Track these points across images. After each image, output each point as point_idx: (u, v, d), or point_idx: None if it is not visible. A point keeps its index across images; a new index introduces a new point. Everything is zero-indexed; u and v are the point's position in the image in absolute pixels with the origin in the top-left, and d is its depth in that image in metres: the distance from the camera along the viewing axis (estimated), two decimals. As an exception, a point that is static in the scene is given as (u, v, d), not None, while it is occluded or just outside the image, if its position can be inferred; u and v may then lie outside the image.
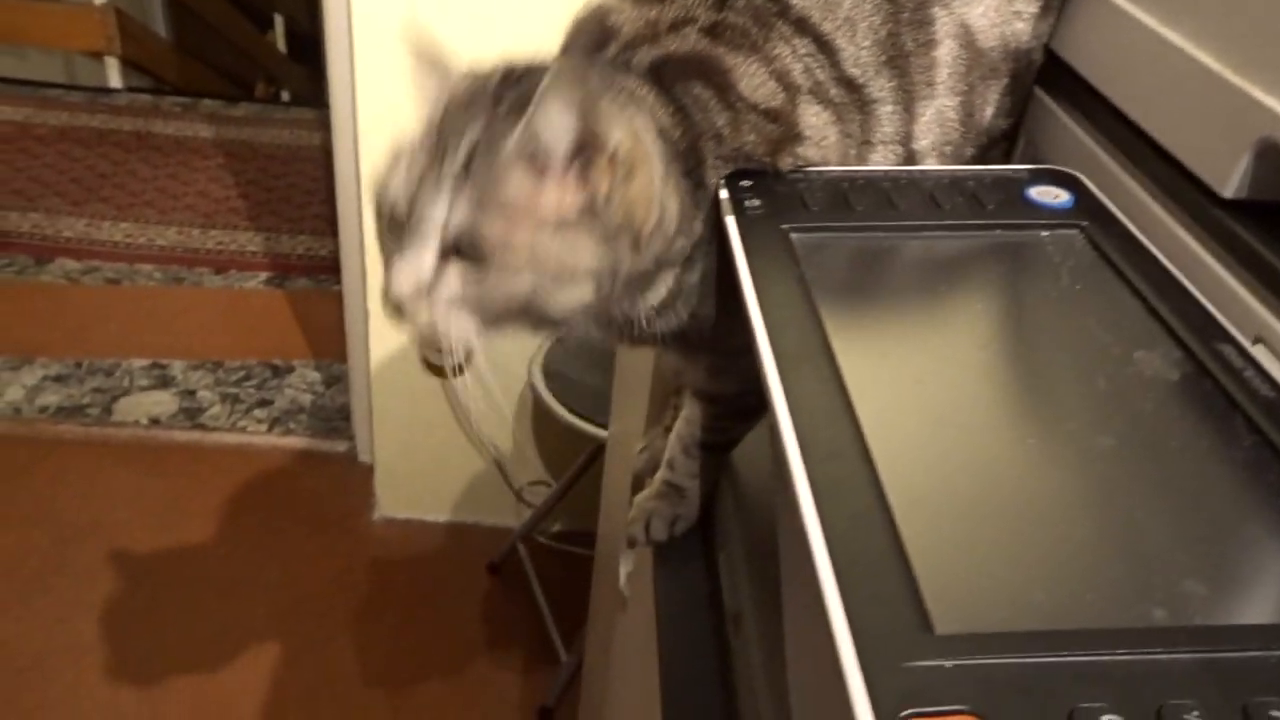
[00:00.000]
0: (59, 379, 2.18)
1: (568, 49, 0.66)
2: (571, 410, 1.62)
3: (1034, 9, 0.66)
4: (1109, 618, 0.33)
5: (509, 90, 0.56)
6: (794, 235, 0.54)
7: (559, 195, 0.54)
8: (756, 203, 0.56)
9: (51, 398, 2.13)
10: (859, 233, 0.54)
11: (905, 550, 0.35)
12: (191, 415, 2.14)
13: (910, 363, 0.46)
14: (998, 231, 0.55)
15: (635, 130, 0.55)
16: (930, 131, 0.65)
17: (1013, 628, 0.32)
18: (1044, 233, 0.54)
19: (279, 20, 4.73)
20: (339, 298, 2.34)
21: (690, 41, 0.62)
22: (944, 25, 0.63)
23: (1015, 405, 0.44)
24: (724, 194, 0.58)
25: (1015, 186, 0.58)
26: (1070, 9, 0.67)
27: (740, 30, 0.62)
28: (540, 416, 1.88)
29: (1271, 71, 0.48)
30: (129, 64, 3.34)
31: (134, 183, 2.84)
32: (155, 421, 2.11)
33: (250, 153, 3.07)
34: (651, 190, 0.56)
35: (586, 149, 0.53)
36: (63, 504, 1.91)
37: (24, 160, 2.86)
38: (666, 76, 0.60)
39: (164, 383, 2.22)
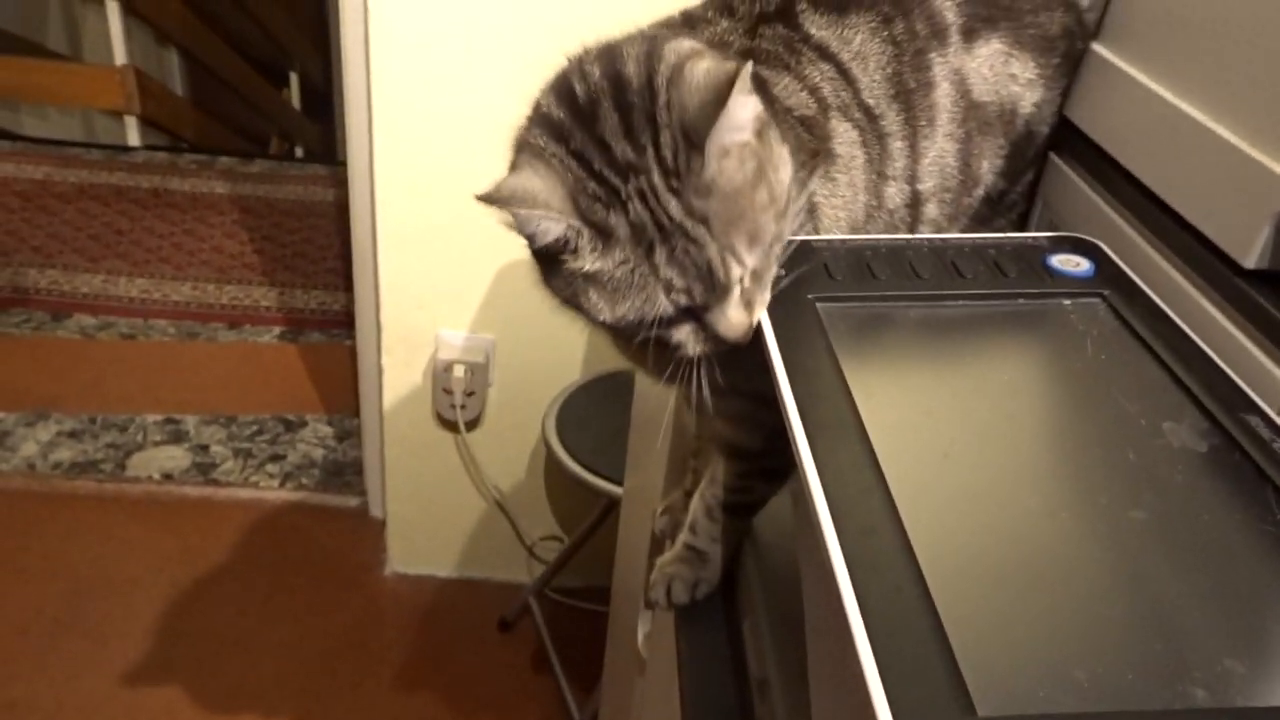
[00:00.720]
0: (73, 434, 2.19)
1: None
2: (584, 465, 1.62)
3: (1030, 76, 0.68)
4: (1151, 698, 0.33)
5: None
6: (820, 305, 0.54)
7: (770, 159, 0.55)
8: (781, 272, 0.57)
9: (65, 453, 2.13)
10: (884, 303, 0.55)
11: (944, 626, 0.35)
12: (204, 470, 2.14)
13: (940, 435, 0.47)
14: (1020, 300, 0.55)
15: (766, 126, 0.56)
16: (931, 174, 0.67)
17: (1055, 709, 0.32)
18: (1066, 301, 0.55)
19: (294, 77, 4.82)
20: (351, 352, 2.36)
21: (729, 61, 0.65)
22: (940, 69, 0.66)
23: (1046, 478, 0.44)
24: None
25: (1036, 255, 0.58)
26: (1085, 78, 0.68)
27: (773, 55, 0.65)
28: (553, 471, 1.88)
29: (1289, 145, 0.49)
30: (147, 122, 3.40)
31: (150, 239, 2.87)
32: (168, 477, 2.12)
33: (265, 208, 3.11)
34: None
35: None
36: (75, 560, 1.91)
37: (43, 217, 2.90)
38: None
39: (177, 438, 2.22)
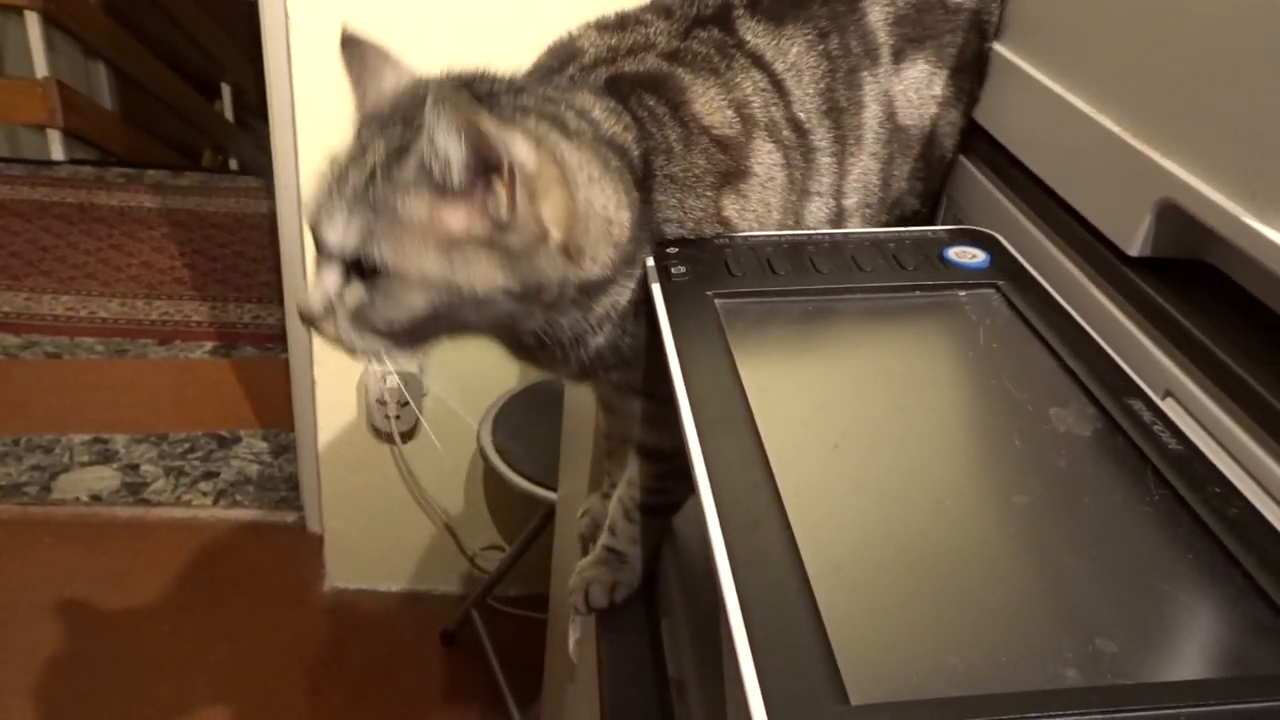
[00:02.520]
0: (-4, 457, 2.12)
1: (532, 72, 0.68)
2: (522, 474, 1.61)
3: (948, 94, 0.69)
4: (1022, 680, 0.33)
5: (412, 112, 0.57)
6: (718, 301, 0.54)
7: (450, 216, 0.54)
8: (682, 269, 0.57)
9: (-11, 477, 2.07)
10: (781, 297, 0.55)
11: (822, 619, 0.35)
12: (134, 490, 2.09)
13: (831, 428, 0.47)
14: (917, 293, 0.56)
15: (543, 145, 0.55)
16: (856, 190, 0.67)
17: (927, 695, 0.32)
18: (962, 293, 0.55)
19: (226, 88, 4.73)
20: (286, 366, 2.32)
21: (648, 63, 0.64)
22: (870, 89, 0.66)
23: (933, 468, 0.45)
24: (650, 261, 0.59)
25: (934, 247, 0.59)
26: (990, 81, 0.69)
27: (703, 58, 0.64)
28: (491, 480, 1.86)
29: (1168, 134, 0.50)
30: (73, 136, 3.32)
31: (76, 255, 2.80)
32: (96, 498, 2.06)
33: (196, 222, 3.05)
34: (570, 202, 0.56)
35: (482, 171, 0.53)
36: (2, 587, 1.85)
37: (-37, 235, 2.82)
38: (621, 89, 0.62)
39: (106, 458, 2.17)
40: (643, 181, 0.60)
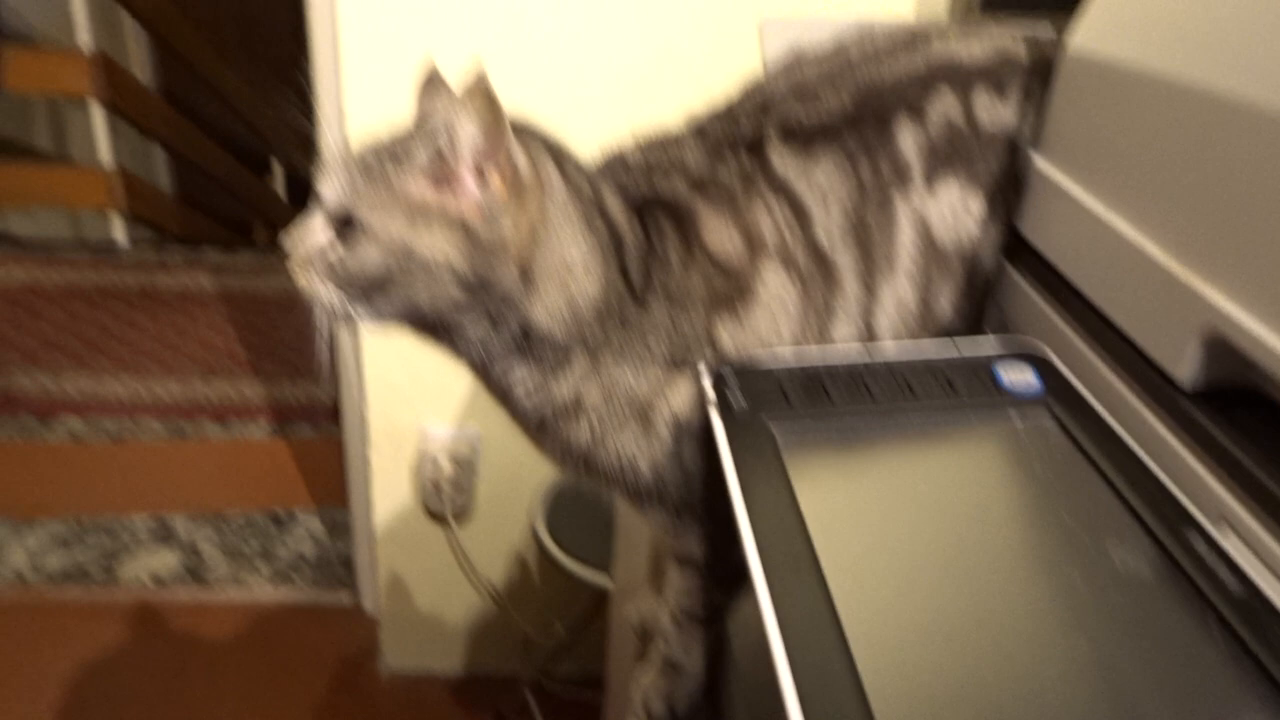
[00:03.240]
0: (62, 542, 2.18)
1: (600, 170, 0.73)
2: (574, 556, 1.62)
3: (984, 213, 0.70)
4: None
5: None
6: (775, 428, 0.56)
7: (432, 189, 0.60)
8: (738, 393, 0.59)
9: (55, 561, 2.12)
10: (837, 422, 0.57)
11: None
12: (194, 572, 2.14)
13: (891, 562, 0.48)
14: (970, 416, 0.57)
15: (536, 164, 0.62)
16: (889, 314, 0.69)
17: None
18: (1014, 416, 0.57)
19: (277, 165, 4.89)
20: (340, 444, 2.36)
21: (675, 187, 0.68)
22: (903, 211, 0.68)
23: (994, 606, 0.46)
24: (707, 386, 0.61)
25: (985, 368, 0.60)
26: (1032, 193, 0.71)
27: (724, 189, 0.68)
28: (545, 562, 1.88)
29: (1212, 263, 0.51)
30: (133, 218, 3.44)
31: (137, 336, 2.89)
32: (158, 580, 2.11)
33: (251, 301, 3.14)
34: (540, 222, 0.62)
35: (479, 160, 0.60)
36: (66, 671, 1.89)
37: (30, 320, 2.93)
38: (646, 206, 0.67)
39: (166, 539, 2.22)
40: (638, 284, 0.65)
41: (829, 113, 0.70)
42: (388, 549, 1.91)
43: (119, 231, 3.41)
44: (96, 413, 2.58)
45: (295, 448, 2.53)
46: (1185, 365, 0.51)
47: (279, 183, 4.92)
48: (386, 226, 0.60)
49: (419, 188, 0.60)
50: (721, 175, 0.68)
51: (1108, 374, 0.59)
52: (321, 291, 0.62)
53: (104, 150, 3.30)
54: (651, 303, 0.65)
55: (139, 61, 4.68)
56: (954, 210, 0.69)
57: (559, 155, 0.66)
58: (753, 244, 0.66)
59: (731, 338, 0.65)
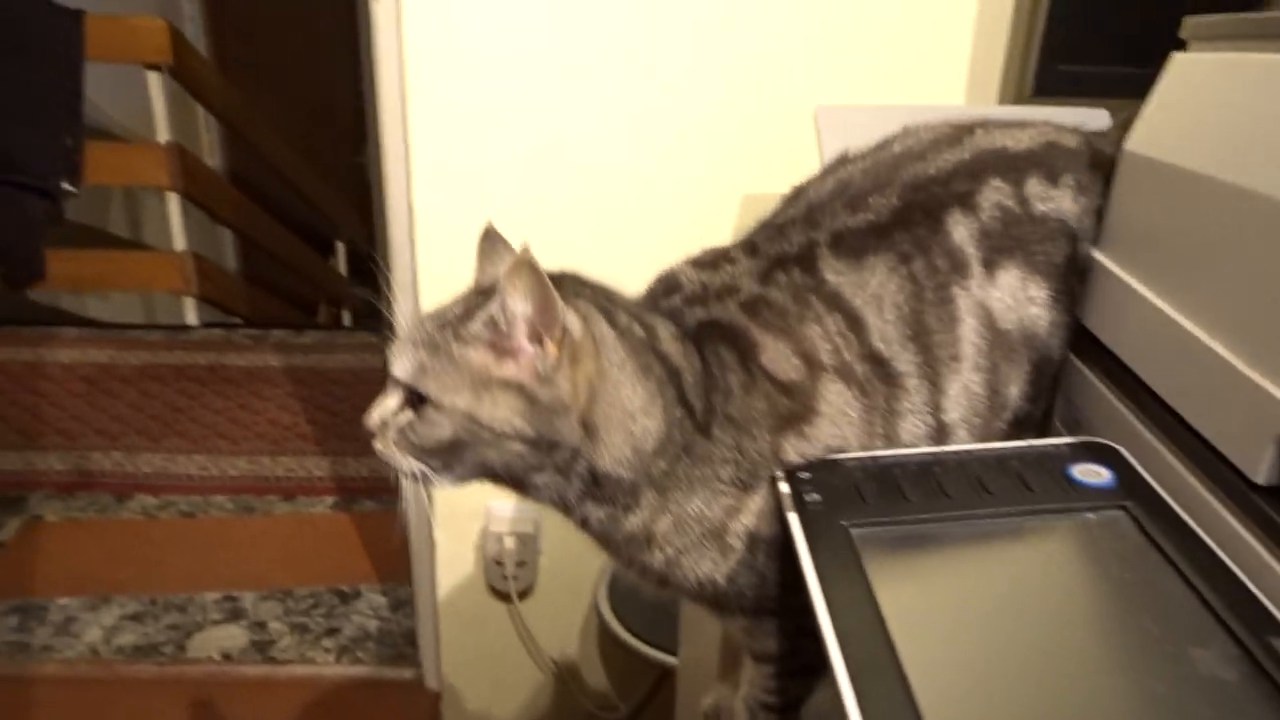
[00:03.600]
0: (135, 617, 2.23)
1: (646, 296, 0.76)
2: (638, 634, 1.62)
3: (1045, 297, 0.71)
4: None
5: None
6: (854, 531, 0.57)
7: (494, 362, 0.64)
8: (816, 496, 0.60)
9: (128, 637, 2.17)
10: (914, 524, 0.58)
11: None
12: (262, 648, 2.17)
13: (973, 667, 0.49)
14: (1045, 515, 0.58)
15: (587, 322, 0.65)
16: (959, 405, 0.70)
17: None
18: (1089, 514, 0.57)
19: (341, 246, 5.04)
20: (401, 519, 2.38)
21: (730, 311, 0.70)
22: (964, 304, 0.69)
23: (1075, 708, 0.46)
24: (784, 488, 0.63)
25: (1058, 464, 0.61)
26: (1097, 289, 0.72)
27: (777, 309, 0.69)
28: (607, 639, 1.88)
29: (1283, 365, 0.52)
30: (203, 300, 3.56)
31: (208, 415, 2.98)
32: (227, 656, 2.14)
33: (317, 378, 3.22)
34: (598, 377, 0.64)
35: (536, 329, 0.63)
36: (137, 748, 1.93)
37: (107, 400, 3.03)
38: (703, 334, 0.70)
39: (235, 615, 2.25)
40: (701, 416, 0.67)
41: (877, 214, 0.71)
42: (451, 625, 1.92)
43: (190, 313, 3.53)
44: (169, 490, 2.65)
45: (359, 522, 2.57)
46: (1262, 465, 0.52)
47: (342, 262, 5.07)
48: (452, 399, 0.64)
49: (480, 359, 0.64)
50: (774, 295, 0.70)
51: (1181, 469, 0.60)
52: (400, 460, 0.67)
53: (178, 236, 3.44)
54: (716, 431, 0.67)
55: (209, 147, 4.89)
56: (1015, 295, 0.70)
57: (608, 306, 0.69)
58: (810, 363, 0.68)
59: (799, 454, 0.67)
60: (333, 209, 4.80)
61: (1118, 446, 0.62)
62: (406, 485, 0.69)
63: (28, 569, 2.36)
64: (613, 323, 0.67)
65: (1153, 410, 0.64)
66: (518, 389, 0.64)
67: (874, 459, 0.64)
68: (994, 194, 0.72)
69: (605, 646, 1.90)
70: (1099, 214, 0.73)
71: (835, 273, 0.70)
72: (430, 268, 1.64)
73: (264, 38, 5.24)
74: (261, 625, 2.23)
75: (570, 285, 0.69)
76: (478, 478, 0.68)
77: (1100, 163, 0.74)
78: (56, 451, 2.78)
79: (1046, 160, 0.74)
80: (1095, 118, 1.28)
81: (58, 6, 3.07)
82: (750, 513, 0.67)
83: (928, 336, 0.69)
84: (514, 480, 0.67)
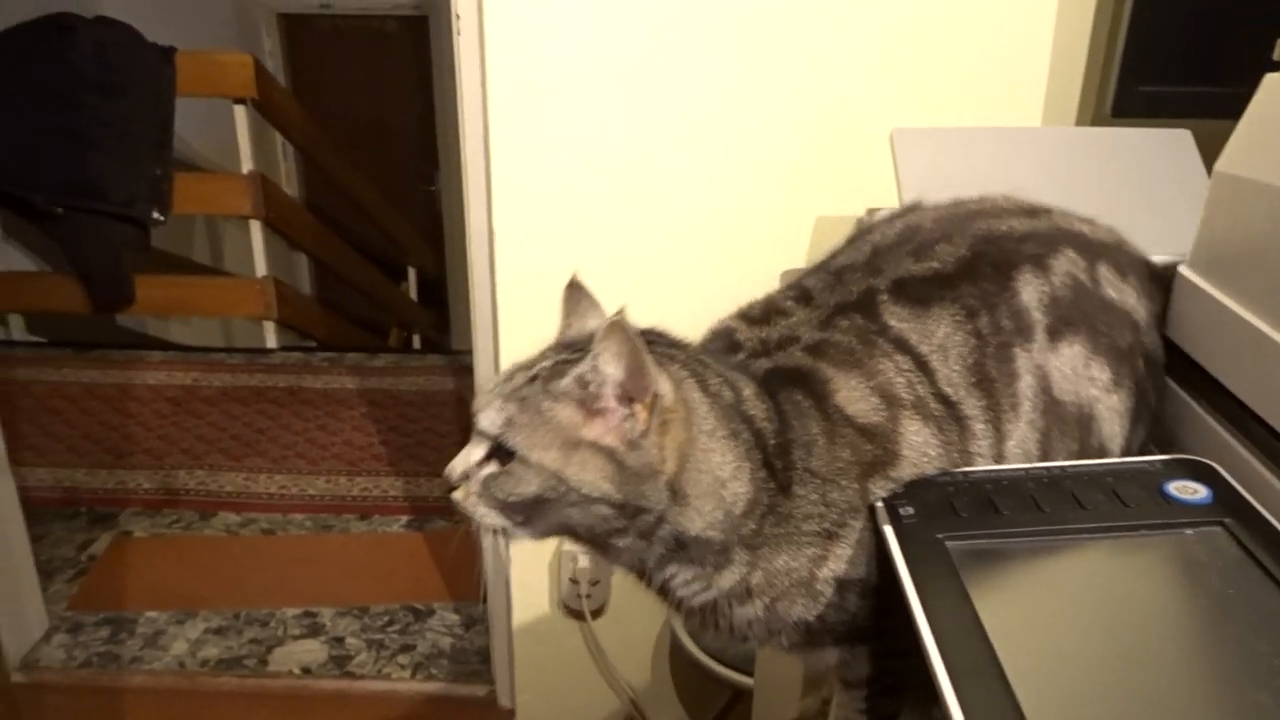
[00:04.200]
0: (219, 631, 2.30)
1: (704, 347, 0.76)
2: (712, 654, 1.63)
3: (1106, 380, 0.70)
4: None
5: (588, 344, 0.66)
6: (950, 544, 0.59)
7: (584, 423, 0.63)
8: (910, 510, 0.62)
9: (212, 650, 2.24)
10: (1010, 538, 0.59)
11: None
12: (340, 663, 2.22)
13: (1078, 679, 0.50)
14: (1141, 531, 0.58)
15: (679, 388, 0.64)
16: (1016, 457, 0.68)
17: None
18: (1187, 530, 0.58)
19: (411, 271, 5.16)
20: (474, 538, 2.41)
21: (795, 358, 0.70)
22: (1023, 362, 0.69)
23: (1185, 722, 0.47)
24: (878, 502, 0.64)
25: (1153, 481, 0.62)
26: (1179, 301, 0.72)
27: (844, 348, 0.69)
28: (680, 659, 1.89)
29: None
30: (281, 324, 3.68)
31: (287, 436, 3.07)
32: (306, 671, 2.19)
33: (390, 400, 3.30)
34: (688, 444, 0.64)
35: (627, 393, 0.62)
36: (221, 758, 1.98)
37: (191, 421, 3.14)
38: (773, 383, 0.69)
39: (314, 631, 2.31)
40: (782, 475, 0.66)
41: (943, 263, 0.71)
42: (524, 643, 1.95)
43: (270, 337, 3.65)
44: (250, 508, 2.73)
45: (432, 541, 2.62)
46: (1364, 481, 0.52)
47: (412, 287, 5.18)
48: (540, 456, 0.63)
49: (569, 417, 0.63)
50: (837, 338, 0.70)
51: (1276, 483, 0.60)
52: (481, 512, 0.66)
53: (260, 262, 3.56)
54: (796, 489, 0.66)
55: (287, 175, 5.05)
56: (1076, 369, 0.69)
57: (699, 369, 0.68)
58: (888, 399, 0.67)
59: (886, 495, 0.66)
60: (403, 235, 4.91)
61: (1213, 464, 0.62)
62: (482, 535, 0.68)
63: (118, 582, 2.45)
64: (704, 387, 0.67)
65: (1248, 426, 0.64)
66: (607, 453, 0.62)
67: (965, 475, 0.65)
68: (1067, 264, 0.71)
69: (678, 666, 1.91)
70: (1159, 323, 0.73)
71: (898, 319, 0.69)
72: (508, 290, 1.68)
73: (338, 69, 5.41)
74: (339, 641, 2.29)
75: (663, 347, 0.68)
76: (557, 535, 0.67)
77: (1159, 276, 0.75)
78: (144, 470, 2.88)
79: (1117, 255, 0.74)
80: (1177, 139, 1.27)
81: (153, 45, 3.21)
82: (838, 559, 0.67)
83: (990, 384, 0.68)
84: (594, 541, 0.67)
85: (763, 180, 1.58)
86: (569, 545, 1.87)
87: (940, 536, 0.59)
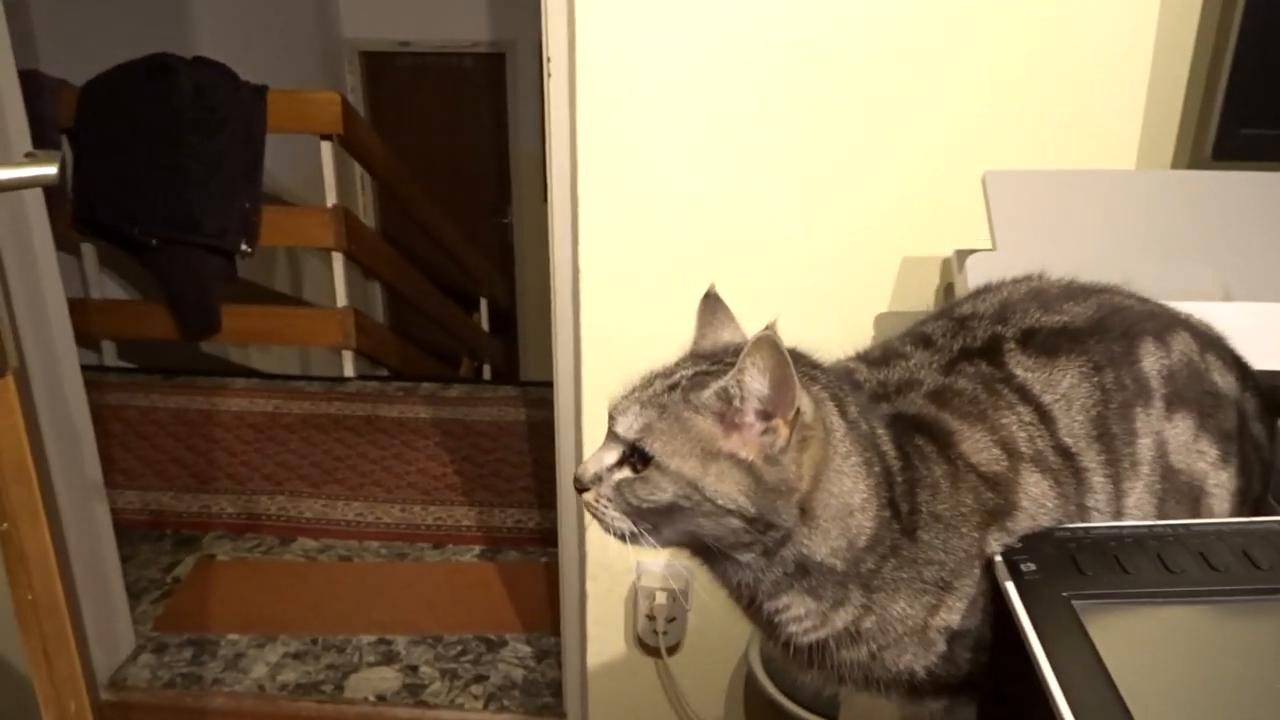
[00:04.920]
0: (297, 655, 2.34)
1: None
2: (790, 695, 1.61)
3: (1214, 456, 0.70)
4: None
5: (728, 355, 0.68)
6: (1077, 604, 0.58)
7: (725, 435, 0.63)
8: (1031, 566, 0.61)
9: (290, 674, 2.28)
10: (1139, 599, 0.58)
11: None
12: (414, 691, 2.24)
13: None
14: (1274, 591, 0.57)
15: (819, 408, 0.65)
16: (1135, 515, 0.68)
17: None
18: (1325, 595, 0.56)
19: (484, 302, 5.24)
20: (545, 569, 2.44)
21: (917, 405, 0.70)
22: (1143, 424, 0.69)
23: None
24: (997, 556, 0.63)
25: (1285, 542, 0.60)
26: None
27: (967, 396, 0.69)
28: (756, 699, 1.87)
29: None
30: (359, 353, 3.76)
31: (364, 464, 3.12)
32: (381, 698, 2.22)
33: (463, 430, 3.34)
34: (823, 465, 0.64)
35: (767, 408, 0.62)
36: (299, 783, 2.01)
37: (273, 447, 3.21)
38: (897, 426, 0.69)
39: (389, 659, 2.34)
40: (907, 518, 0.66)
41: (1073, 317, 0.72)
42: (598, 677, 1.95)
43: (348, 366, 3.72)
44: (328, 534, 2.78)
45: (505, 572, 2.64)
46: None
47: (484, 318, 5.26)
48: (679, 464, 0.63)
49: (709, 427, 0.64)
50: (960, 384, 0.70)
51: None
52: (611, 516, 0.66)
53: (340, 293, 3.64)
54: (921, 533, 0.66)
55: (365, 207, 5.18)
56: (1187, 443, 0.69)
57: (840, 395, 0.68)
58: (1010, 452, 0.67)
59: (1001, 548, 0.66)
60: (476, 266, 5.00)
61: (1351, 526, 0.61)
62: (609, 537, 0.68)
63: (201, 604, 2.51)
64: (843, 413, 0.67)
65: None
66: (746, 466, 0.63)
67: (1086, 530, 0.64)
68: (1182, 344, 0.72)
69: (753, 706, 1.89)
70: (1258, 416, 0.73)
71: (1024, 368, 0.70)
72: (592, 323, 1.70)
73: (416, 104, 5.54)
74: (413, 669, 2.31)
75: (805, 367, 0.69)
76: (682, 544, 0.67)
77: (1247, 375, 0.75)
78: (227, 495, 2.96)
79: (1219, 348, 0.75)
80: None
81: (246, 83, 3.33)
82: (951, 609, 0.67)
83: (1111, 440, 0.68)
84: (719, 552, 0.67)
85: (850, 220, 1.58)
86: (645, 579, 1.87)
87: (1066, 594, 0.58)
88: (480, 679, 2.29)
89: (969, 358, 0.71)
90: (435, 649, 2.38)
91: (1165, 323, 0.73)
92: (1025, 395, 0.69)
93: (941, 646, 0.68)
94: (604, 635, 1.92)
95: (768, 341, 0.61)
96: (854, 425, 0.67)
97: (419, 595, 2.58)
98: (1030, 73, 1.48)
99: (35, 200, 1.94)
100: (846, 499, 0.65)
